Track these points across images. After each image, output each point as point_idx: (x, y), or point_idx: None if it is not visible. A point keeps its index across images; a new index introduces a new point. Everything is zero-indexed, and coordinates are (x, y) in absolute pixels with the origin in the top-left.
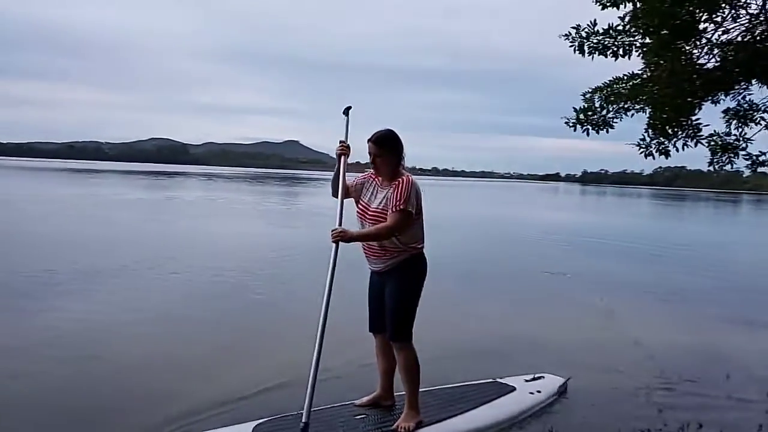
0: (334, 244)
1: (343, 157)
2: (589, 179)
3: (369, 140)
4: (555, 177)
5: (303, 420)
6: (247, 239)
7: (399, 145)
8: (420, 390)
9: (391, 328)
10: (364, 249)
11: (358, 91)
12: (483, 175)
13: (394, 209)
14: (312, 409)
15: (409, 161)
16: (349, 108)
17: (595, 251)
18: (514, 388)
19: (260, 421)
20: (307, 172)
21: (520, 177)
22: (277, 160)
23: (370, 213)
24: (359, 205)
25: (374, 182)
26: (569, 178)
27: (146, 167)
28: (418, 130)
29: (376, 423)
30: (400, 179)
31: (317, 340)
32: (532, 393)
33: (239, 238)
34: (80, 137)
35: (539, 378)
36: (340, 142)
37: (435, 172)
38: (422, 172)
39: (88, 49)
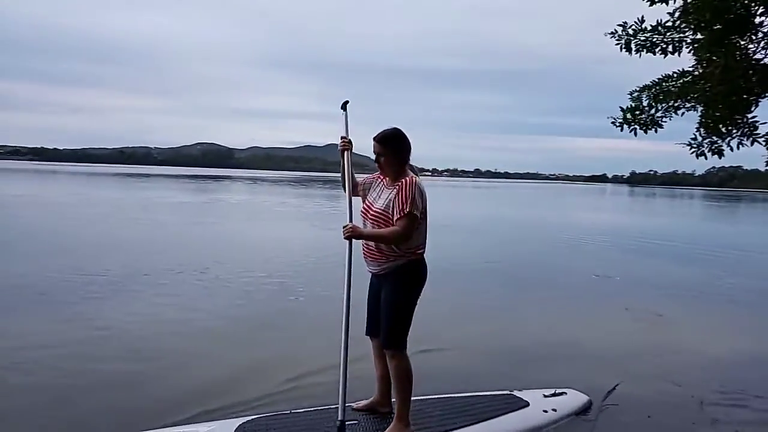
0: (347, 242)
1: (346, 153)
2: (637, 180)
3: (374, 139)
4: (601, 178)
5: (339, 418)
6: (290, 241)
7: (403, 144)
8: (426, 397)
9: (384, 335)
10: (363, 250)
11: (396, 92)
12: (527, 176)
13: (400, 214)
14: (302, 410)
15: (450, 163)
16: (346, 102)
17: (646, 253)
18: (527, 404)
19: (248, 418)
20: None
21: (566, 178)
22: (320, 164)
23: (372, 212)
24: (364, 204)
25: (381, 182)
26: (616, 180)
27: (193, 171)
28: (459, 130)
29: (365, 430)
30: (403, 180)
31: (343, 339)
32: (545, 411)
33: (283, 241)
34: (130, 143)
35: (560, 394)
36: (342, 137)
37: (477, 173)
38: (464, 173)
39: (139, 58)
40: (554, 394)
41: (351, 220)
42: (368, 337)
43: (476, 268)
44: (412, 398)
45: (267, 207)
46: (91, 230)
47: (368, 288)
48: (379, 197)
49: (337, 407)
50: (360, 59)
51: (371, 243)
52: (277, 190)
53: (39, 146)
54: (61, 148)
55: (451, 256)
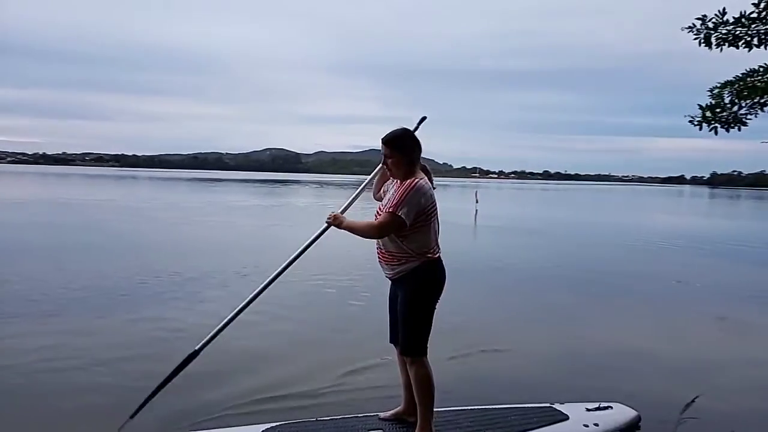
0: (325, 225)
1: (383, 167)
2: (719, 181)
3: (381, 140)
4: (679, 180)
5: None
6: (357, 245)
7: (410, 145)
8: (458, 408)
9: (402, 341)
10: (377, 254)
11: (461, 94)
12: (598, 178)
13: (385, 210)
14: (328, 418)
15: (517, 165)
16: (424, 119)
17: (730, 258)
18: (566, 417)
19: (273, 424)
20: None
21: (640, 180)
22: None
23: (378, 211)
24: (379, 206)
25: (393, 184)
26: (696, 181)
27: (262, 176)
28: (526, 131)
29: None
30: (406, 182)
31: (245, 302)
32: (586, 426)
33: (348, 244)
34: (204, 149)
35: (606, 408)
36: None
37: (546, 175)
38: (532, 175)
39: (212, 68)
40: (598, 408)
41: (342, 213)
42: (392, 345)
43: (546, 272)
44: (444, 409)
45: (332, 210)
46: (168, 233)
47: (388, 295)
48: (386, 197)
49: (359, 416)
50: (423, 62)
51: (382, 246)
52: (342, 194)
53: (120, 153)
54: (140, 154)
55: (519, 260)
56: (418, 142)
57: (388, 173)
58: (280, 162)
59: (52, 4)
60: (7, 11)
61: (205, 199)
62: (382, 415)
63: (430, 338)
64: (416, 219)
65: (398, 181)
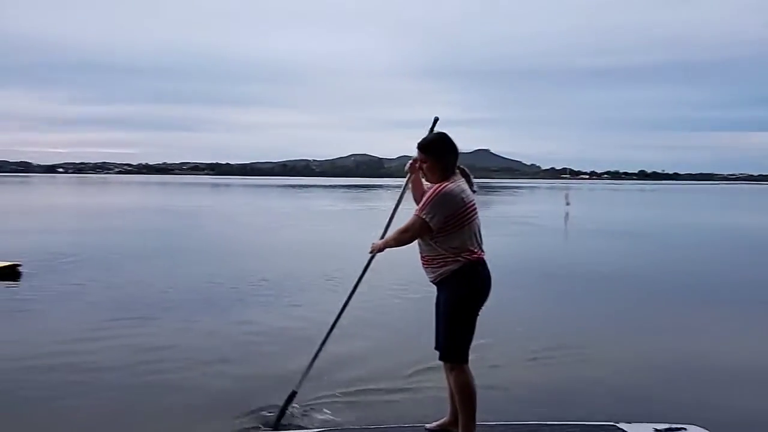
0: (369, 256)
1: (411, 175)
2: None
3: (417, 146)
4: None
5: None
6: None
7: (445, 150)
8: (512, 422)
9: (440, 346)
10: (420, 259)
11: (548, 93)
12: (700, 177)
13: (413, 214)
14: (372, 426)
15: (610, 165)
16: (436, 120)
17: None
18: None
19: (319, 430)
20: (498, 180)
21: (749, 179)
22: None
23: None
24: None
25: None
26: None
27: (347, 181)
28: (618, 129)
29: None
30: (433, 186)
31: (328, 330)
32: None
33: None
34: (291, 156)
35: (678, 429)
36: (414, 160)
37: (642, 175)
38: (626, 176)
39: (297, 77)
40: (669, 430)
41: (381, 237)
42: (437, 351)
43: (638, 277)
44: (493, 423)
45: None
46: (260, 237)
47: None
48: None
49: (405, 426)
50: (507, 63)
51: (421, 250)
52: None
53: (215, 162)
54: (233, 163)
55: (611, 264)
56: (453, 146)
57: (424, 178)
58: (364, 167)
59: (149, 25)
60: (113, 34)
61: (294, 204)
62: (428, 426)
63: (490, 344)
64: (446, 222)
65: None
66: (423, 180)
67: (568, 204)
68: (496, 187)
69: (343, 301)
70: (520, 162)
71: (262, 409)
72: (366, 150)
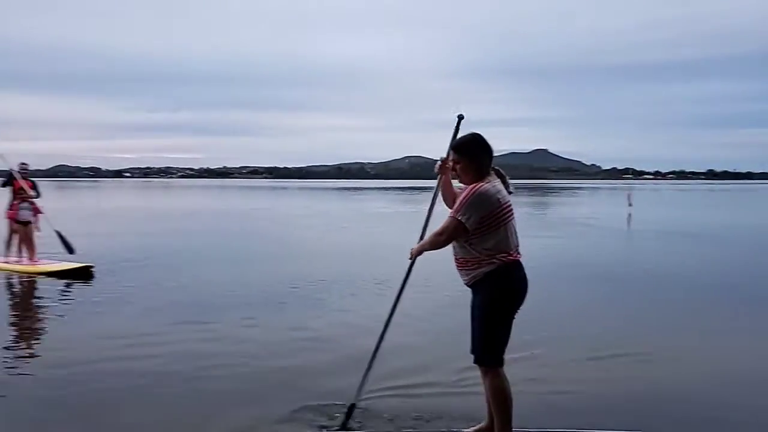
0: (409, 262)
1: (442, 176)
2: None
3: (450, 147)
4: None
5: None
6: None
7: (478, 151)
8: (557, 430)
9: (474, 349)
10: (454, 261)
11: (608, 90)
12: None
13: (449, 215)
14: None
15: (676, 164)
16: (461, 117)
17: None
18: None
19: None
20: (558, 181)
21: None
22: (526, 170)
23: None
24: None
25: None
26: None
27: (402, 183)
28: (685, 127)
29: None
30: (468, 187)
31: (378, 340)
32: None
33: None
34: (347, 159)
35: None
36: (442, 160)
37: (711, 175)
38: (693, 175)
39: (352, 81)
40: None
41: (419, 241)
42: (473, 354)
43: (707, 280)
44: (534, 429)
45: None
46: (315, 239)
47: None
48: None
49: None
50: (564, 60)
51: (455, 252)
52: None
53: (273, 165)
54: (290, 166)
55: (678, 266)
56: (487, 146)
57: (457, 179)
58: (418, 169)
59: (209, 35)
60: (176, 45)
61: (348, 206)
62: (465, 430)
63: (543, 346)
64: (481, 223)
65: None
66: (455, 182)
67: (630, 205)
68: (555, 188)
69: (390, 309)
70: (580, 162)
71: (319, 413)
72: (421, 152)
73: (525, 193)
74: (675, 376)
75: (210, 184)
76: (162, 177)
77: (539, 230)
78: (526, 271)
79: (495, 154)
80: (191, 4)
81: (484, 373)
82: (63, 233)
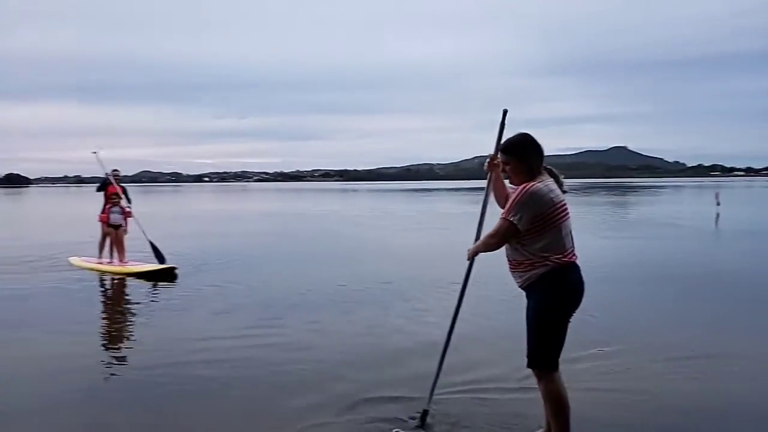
0: (468, 263)
1: (490, 174)
2: None
3: (499, 148)
4: None
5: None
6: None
7: (527, 151)
8: None
9: (527, 353)
10: (507, 263)
11: (692, 83)
12: None
13: (501, 216)
14: None
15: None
16: (506, 112)
17: None
18: None
19: None
20: (637, 179)
21: None
22: (602, 169)
23: None
24: None
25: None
26: None
27: (471, 184)
28: None
29: None
30: (519, 187)
31: (444, 345)
32: None
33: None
34: (415, 160)
35: None
36: (490, 156)
37: None
38: None
39: (421, 82)
40: None
41: (474, 241)
42: None
43: None
44: None
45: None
46: (384, 240)
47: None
48: None
49: None
50: (641, 54)
51: (508, 254)
52: None
53: (343, 168)
54: (359, 169)
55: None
56: (536, 145)
57: (507, 180)
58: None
59: (279, 43)
60: (248, 54)
61: (417, 207)
62: None
63: (618, 349)
64: (533, 223)
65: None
66: (507, 183)
67: (718, 204)
68: (635, 186)
69: (453, 313)
70: (662, 159)
71: (390, 418)
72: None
73: (602, 193)
74: (758, 385)
75: (284, 187)
76: (238, 180)
77: (618, 230)
78: (603, 271)
79: (568, 152)
80: (258, 15)
81: (539, 378)
82: (156, 244)
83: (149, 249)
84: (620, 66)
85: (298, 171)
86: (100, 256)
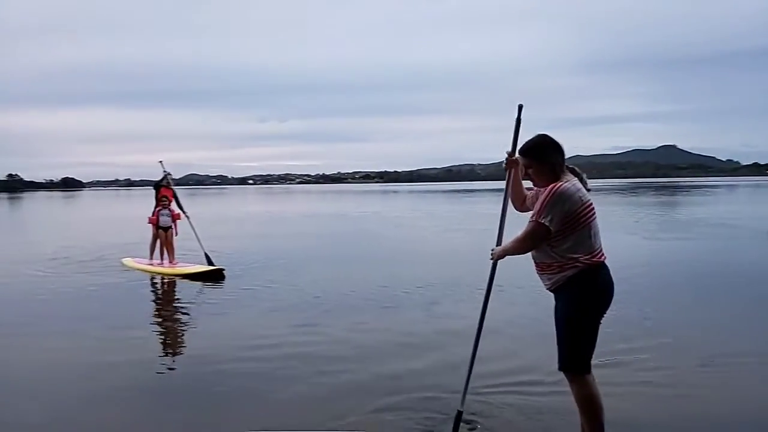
0: (491, 264)
1: (509, 172)
2: None
3: (518, 152)
4: None
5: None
6: (617, 252)
7: (548, 152)
8: None
9: (558, 356)
10: (534, 266)
11: (741, 79)
12: None
13: (530, 220)
14: None
15: None
16: (521, 107)
17: None
18: None
19: None
20: (687, 179)
21: None
22: (651, 168)
23: None
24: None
25: (540, 193)
26: None
27: None
28: None
29: None
30: (547, 188)
31: (474, 345)
32: None
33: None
34: (456, 161)
35: None
36: (507, 152)
37: None
38: None
39: (460, 82)
40: None
41: (499, 243)
42: None
43: None
44: None
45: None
46: (424, 241)
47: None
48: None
49: None
50: (691, 49)
51: (535, 256)
52: (601, 200)
53: (383, 170)
54: (400, 170)
55: None
56: (556, 145)
57: (533, 183)
58: None
59: (319, 45)
60: (291, 58)
61: (458, 209)
62: None
63: (661, 351)
64: (563, 223)
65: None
66: (526, 183)
67: None
68: (685, 186)
69: (480, 314)
70: (714, 158)
71: (425, 420)
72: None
73: (650, 192)
74: None
75: (326, 189)
76: (282, 183)
77: (666, 232)
78: (650, 272)
79: (615, 152)
80: (299, 21)
81: (570, 381)
82: (209, 255)
83: (197, 247)
84: (669, 62)
85: (339, 173)
86: (151, 258)
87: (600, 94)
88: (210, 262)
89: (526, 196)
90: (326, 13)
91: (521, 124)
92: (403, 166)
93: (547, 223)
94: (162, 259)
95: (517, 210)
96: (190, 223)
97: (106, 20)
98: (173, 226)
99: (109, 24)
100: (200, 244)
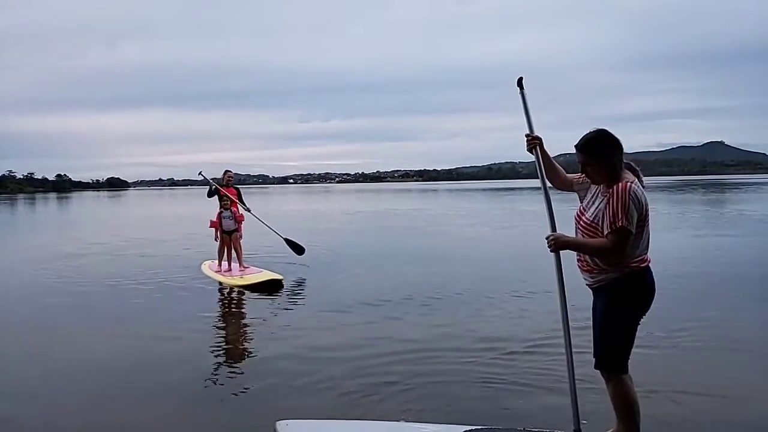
0: (553, 254)
1: (535, 150)
2: None
3: (575, 147)
4: None
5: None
6: (666, 251)
7: (608, 147)
8: None
9: (596, 355)
10: (576, 260)
11: None
12: None
13: (610, 227)
14: (536, 429)
15: None
16: (521, 80)
17: None
18: None
19: (476, 427)
20: (735, 176)
21: None
22: (697, 165)
23: (583, 221)
24: (579, 208)
25: (600, 191)
26: None
27: None
28: None
29: None
30: (615, 187)
31: (567, 357)
32: None
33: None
34: (497, 160)
35: None
36: (526, 135)
37: None
38: None
39: (502, 80)
40: None
41: (554, 229)
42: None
43: None
44: None
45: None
46: (466, 239)
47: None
48: (592, 204)
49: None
50: (738, 43)
51: (582, 255)
52: (654, 197)
53: (423, 168)
54: (439, 169)
55: None
56: (615, 140)
57: (590, 181)
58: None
59: (359, 46)
60: (328, 59)
61: (499, 207)
62: None
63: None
64: (637, 227)
65: (602, 188)
66: (579, 176)
67: None
68: (734, 183)
69: (562, 321)
70: (764, 154)
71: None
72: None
73: (698, 190)
74: None
75: (365, 187)
76: (322, 182)
77: (717, 228)
78: (702, 272)
79: (660, 149)
80: (340, 22)
81: (607, 380)
82: (290, 238)
83: (272, 242)
84: (716, 57)
85: (378, 172)
86: (219, 264)
87: (644, 91)
88: (294, 246)
89: (560, 172)
90: (368, 14)
91: (526, 98)
92: (443, 164)
93: (630, 228)
94: (230, 264)
95: (556, 188)
96: (255, 216)
97: (140, 23)
98: (238, 228)
99: (145, 26)
100: (276, 232)
